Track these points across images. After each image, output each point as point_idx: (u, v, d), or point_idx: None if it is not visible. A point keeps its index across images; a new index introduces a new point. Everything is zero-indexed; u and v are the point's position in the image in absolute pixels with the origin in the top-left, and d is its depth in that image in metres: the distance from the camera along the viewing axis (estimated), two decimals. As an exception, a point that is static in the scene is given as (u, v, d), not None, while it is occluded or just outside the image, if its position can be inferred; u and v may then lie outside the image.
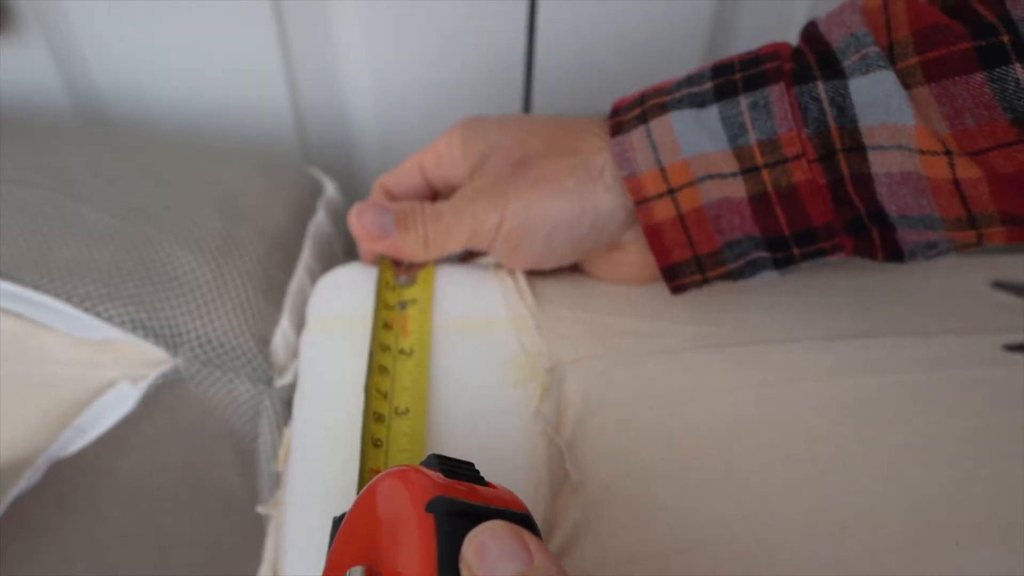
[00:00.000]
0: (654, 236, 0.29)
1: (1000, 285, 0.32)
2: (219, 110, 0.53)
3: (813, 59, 0.27)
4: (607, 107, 0.53)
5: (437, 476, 0.19)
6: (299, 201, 0.39)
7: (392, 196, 0.34)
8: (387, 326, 0.31)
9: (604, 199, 0.29)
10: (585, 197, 0.29)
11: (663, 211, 0.29)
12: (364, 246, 0.34)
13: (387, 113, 0.52)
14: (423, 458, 0.27)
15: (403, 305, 0.32)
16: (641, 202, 0.29)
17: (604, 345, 0.29)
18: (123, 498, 0.40)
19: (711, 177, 0.28)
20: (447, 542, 0.17)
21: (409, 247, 0.31)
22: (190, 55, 0.49)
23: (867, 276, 0.32)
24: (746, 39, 0.50)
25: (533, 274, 0.33)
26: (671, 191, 0.29)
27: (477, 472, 0.21)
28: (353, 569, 0.19)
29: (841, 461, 0.28)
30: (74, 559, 0.37)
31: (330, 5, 0.47)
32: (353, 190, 0.58)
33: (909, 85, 0.25)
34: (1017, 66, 0.23)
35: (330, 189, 0.41)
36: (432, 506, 0.18)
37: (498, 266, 0.33)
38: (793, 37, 0.49)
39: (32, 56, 0.50)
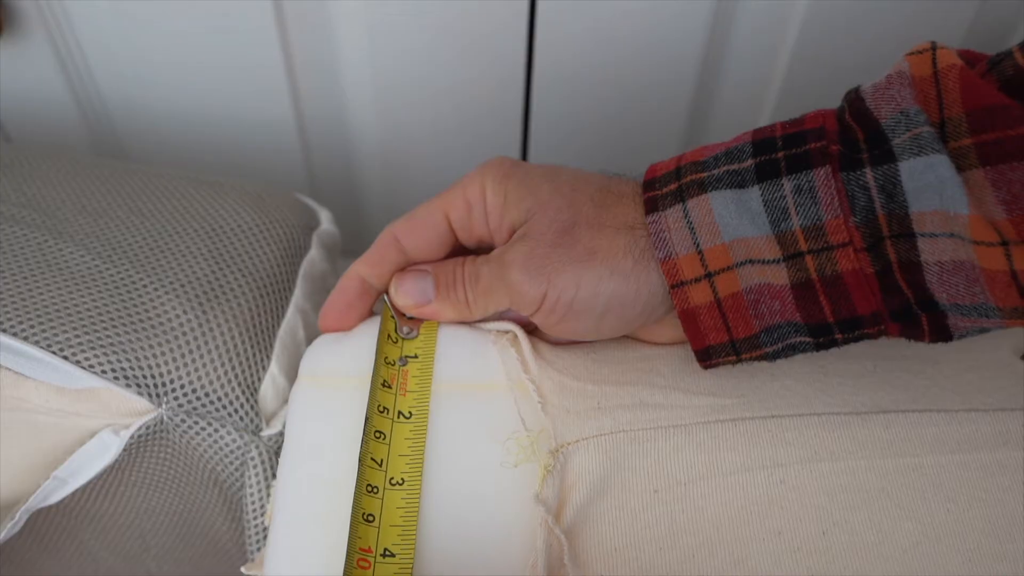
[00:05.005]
0: (689, 321, 0.28)
1: (1032, 365, 0.30)
2: (220, 108, 0.52)
3: (861, 137, 0.25)
4: (606, 107, 0.52)
5: None
6: (291, 238, 0.37)
7: (403, 250, 0.31)
8: (386, 385, 0.29)
9: (657, 281, 0.28)
10: (641, 279, 0.27)
11: (700, 295, 0.27)
12: (338, 298, 0.31)
13: (387, 112, 0.51)
14: (415, 536, 0.26)
15: (404, 360, 0.30)
16: (677, 286, 0.27)
17: (612, 421, 0.28)
18: (110, 539, 0.39)
19: (751, 262, 0.26)
20: None
21: (452, 312, 0.30)
22: (192, 55, 0.49)
23: (888, 343, 0.31)
24: (745, 40, 0.49)
25: (539, 339, 0.31)
26: (708, 275, 0.27)
27: None
28: None
29: (854, 553, 0.26)
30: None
31: (331, 8, 0.46)
32: (353, 190, 0.58)
33: (962, 167, 0.23)
34: None
35: (325, 221, 0.39)
36: None
37: (500, 332, 0.31)
38: (791, 37, 0.48)
39: (35, 57, 0.50)
